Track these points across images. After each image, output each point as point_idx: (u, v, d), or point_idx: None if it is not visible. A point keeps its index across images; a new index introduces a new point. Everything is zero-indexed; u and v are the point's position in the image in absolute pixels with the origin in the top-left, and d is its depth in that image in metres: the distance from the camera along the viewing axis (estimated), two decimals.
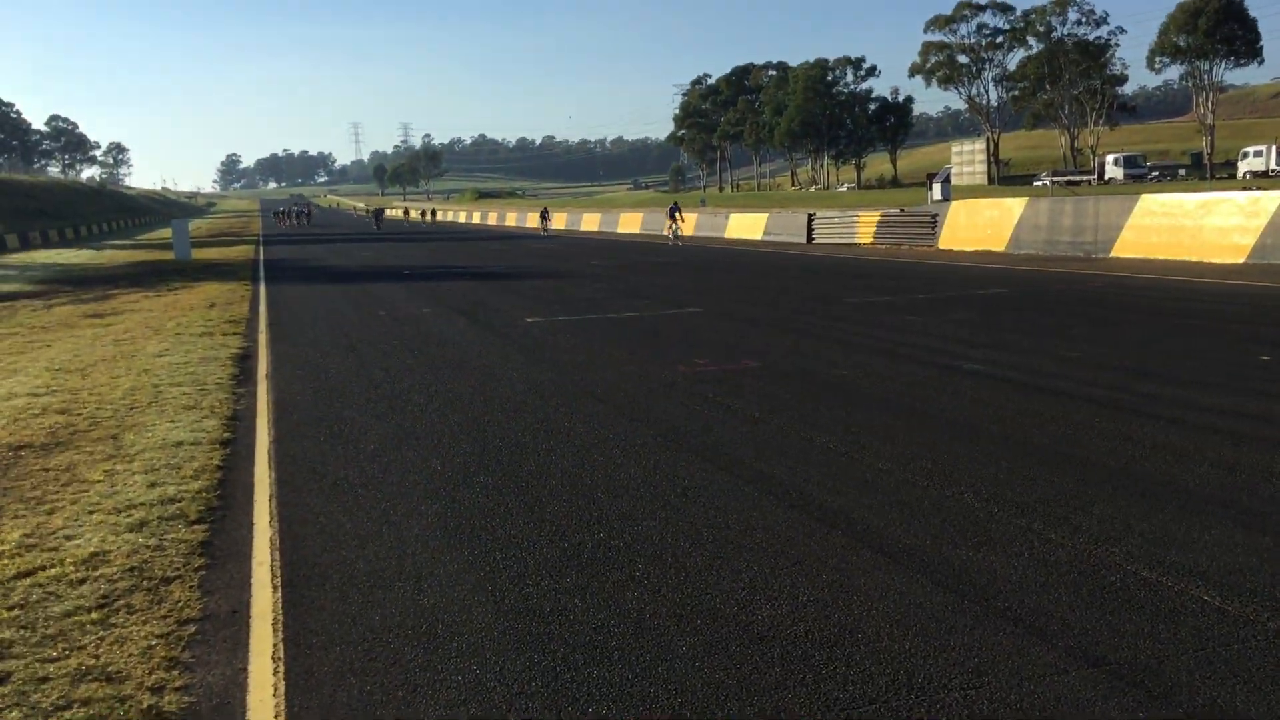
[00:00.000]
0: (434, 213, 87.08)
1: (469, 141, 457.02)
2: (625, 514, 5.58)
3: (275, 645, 4.07)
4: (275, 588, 4.69)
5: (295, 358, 12.26)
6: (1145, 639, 3.78)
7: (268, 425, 8.33)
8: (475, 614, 4.29)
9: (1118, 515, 5.20)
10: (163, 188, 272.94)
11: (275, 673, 3.84)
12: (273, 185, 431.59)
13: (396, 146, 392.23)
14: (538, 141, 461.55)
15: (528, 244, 47.25)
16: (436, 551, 5.09)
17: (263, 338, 14.43)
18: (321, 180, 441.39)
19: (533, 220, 72.14)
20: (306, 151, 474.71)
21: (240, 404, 9.37)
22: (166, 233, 58.96)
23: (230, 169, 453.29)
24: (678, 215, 39.60)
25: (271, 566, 4.99)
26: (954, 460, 6.40)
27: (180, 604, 4.56)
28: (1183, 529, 4.95)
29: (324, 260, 38.48)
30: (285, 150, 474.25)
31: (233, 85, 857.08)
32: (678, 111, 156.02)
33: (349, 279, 27.57)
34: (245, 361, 12.09)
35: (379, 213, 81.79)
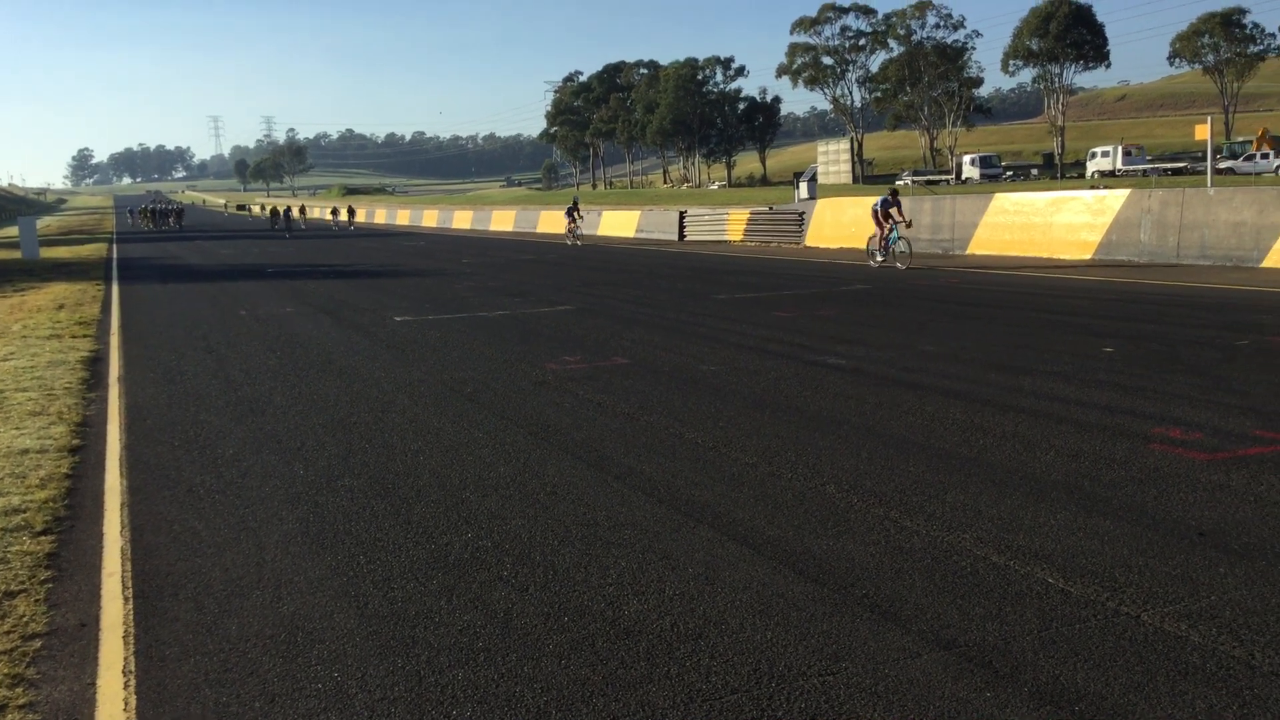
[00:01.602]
0: (351, 212, 70.62)
1: (335, 136, 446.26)
2: (494, 513, 5.55)
3: (126, 659, 3.92)
4: (126, 599, 4.52)
5: (149, 360, 11.81)
6: (993, 621, 3.94)
7: (119, 431, 8.00)
8: (337, 620, 4.20)
9: (969, 502, 5.41)
10: (9, 184, 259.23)
11: (126, 687, 3.69)
12: (128, 181, 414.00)
13: (259, 141, 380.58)
14: (408, 137, 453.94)
15: (398, 242, 46.49)
16: (297, 558, 4.98)
17: (115, 340, 13.85)
18: (179, 176, 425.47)
19: (431, 219, 71.66)
20: (164, 146, 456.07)
21: (90, 409, 8.98)
22: (12, 231, 55.79)
23: (82, 164, 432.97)
24: (576, 214, 37.28)
25: (122, 577, 4.79)
26: (817, 453, 6.56)
27: (25, 619, 4.35)
28: (1029, 514, 5.17)
29: (181, 258, 37.14)
30: (141, 145, 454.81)
31: (85, 76, 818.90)
32: (550, 108, 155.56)
33: (207, 277, 26.67)
34: (96, 365, 11.59)
35: (287, 213, 64.42)
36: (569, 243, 36.68)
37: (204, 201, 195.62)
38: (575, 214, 37.30)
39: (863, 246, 26.54)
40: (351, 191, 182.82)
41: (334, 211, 73.34)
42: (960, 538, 4.88)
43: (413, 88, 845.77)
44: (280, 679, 3.70)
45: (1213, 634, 3.74)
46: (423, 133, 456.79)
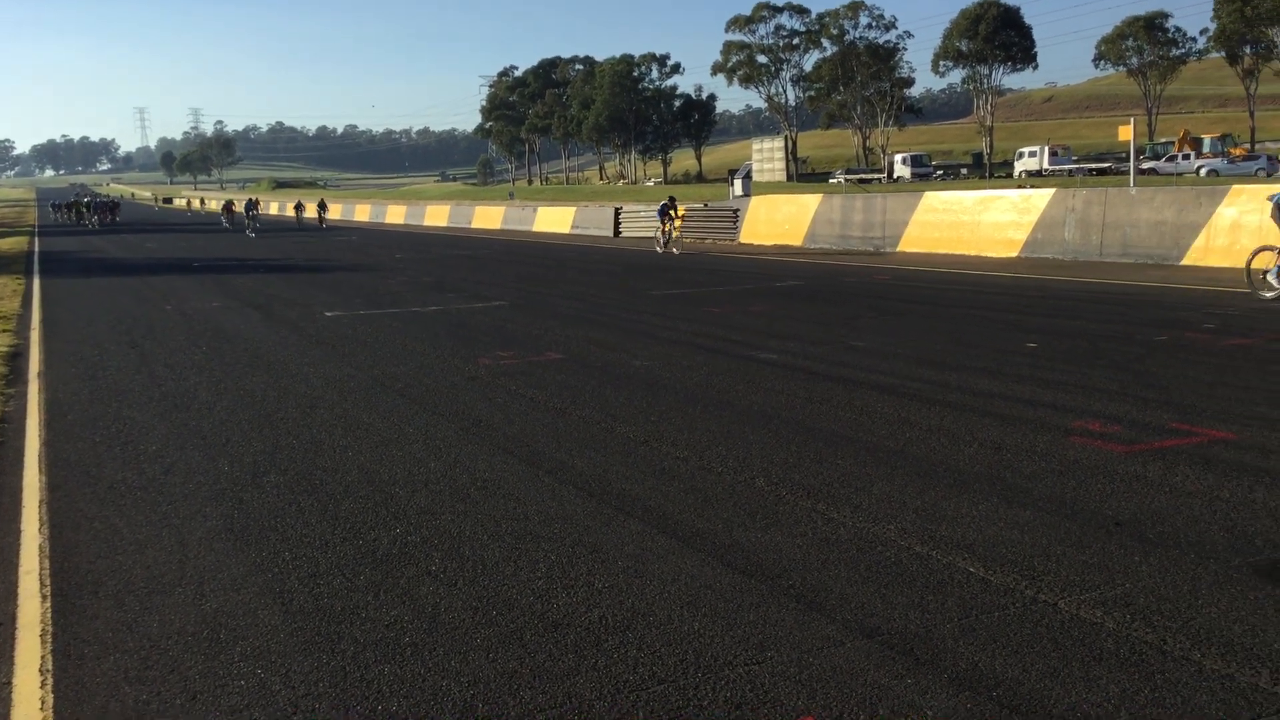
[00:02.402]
0: (323, 206, 61.11)
1: (265, 129, 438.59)
2: (423, 509, 5.52)
3: (43, 657, 3.83)
4: (44, 597, 4.41)
5: (71, 355, 11.53)
6: (915, 610, 4.01)
7: (39, 427, 7.81)
8: (261, 617, 4.15)
9: (895, 494, 5.49)
10: None
11: (43, 685, 3.61)
12: (50, 173, 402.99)
13: (186, 133, 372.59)
14: (339, 130, 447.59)
15: (330, 236, 45.89)
16: (221, 555, 4.90)
17: (35, 334, 13.50)
18: (104, 168, 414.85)
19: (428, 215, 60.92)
20: (88, 138, 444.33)
21: (9, 405, 8.75)
22: None
23: (3, 156, 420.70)
24: (672, 214, 27.48)
25: (40, 575, 4.68)
26: (748, 446, 6.61)
27: None
28: (952, 505, 5.27)
29: (106, 252, 36.29)
30: (65, 136, 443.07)
31: (5, 68, 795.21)
32: (485, 103, 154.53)
33: (132, 271, 26.09)
34: (15, 360, 11.28)
35: (251, 206, 53.24)
36: (659, 250, 27.31)
37: (133, 195, 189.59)
38: (671, 214, 27.37)
39: (796, 243, 26.80)
40: (282, 185, 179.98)
41: (299, 207, 63.94)
42: (885, 529, 4.95)
43: (345, 80, 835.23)
44: (202, 676, 3.64)
45: (1126, 620, 3.84)
46: (355, 126, 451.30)
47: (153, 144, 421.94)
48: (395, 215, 65.00)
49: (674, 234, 27.96)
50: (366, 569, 4.65)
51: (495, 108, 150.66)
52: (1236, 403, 7.33)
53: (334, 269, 25.43)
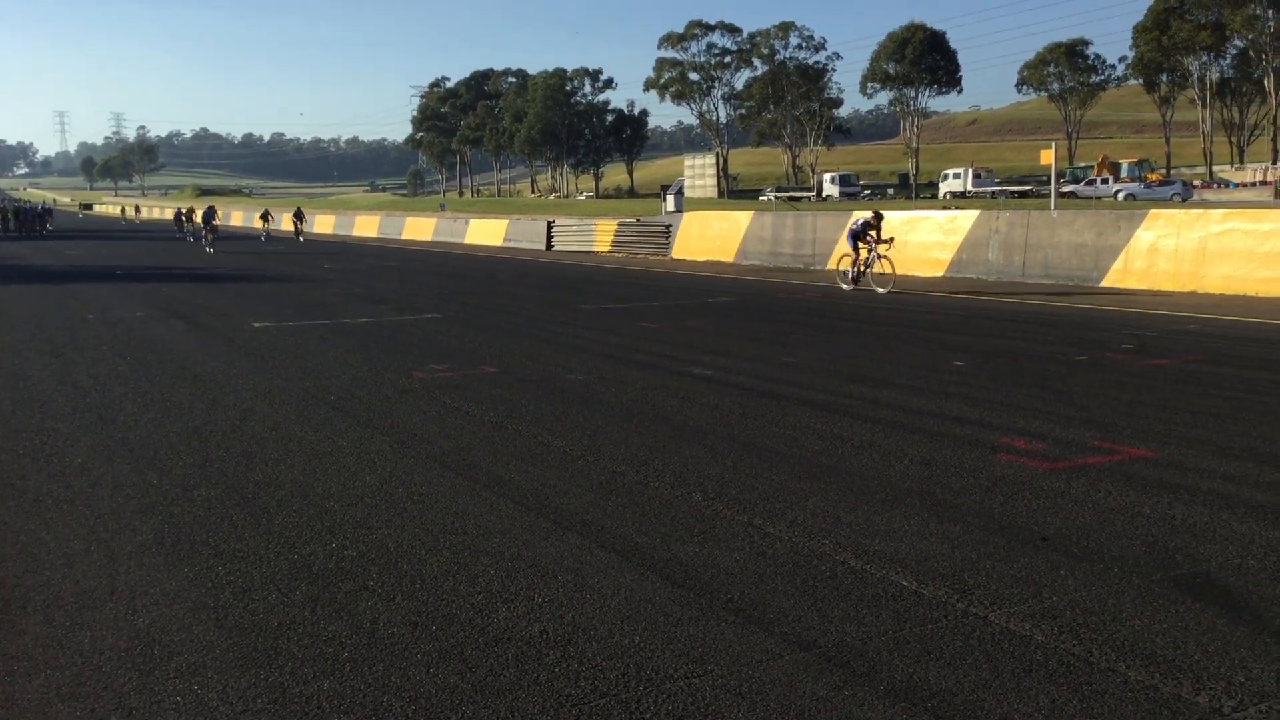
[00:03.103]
0: (300, 216, 50.27)
1: (189, 135, 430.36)
2: (359, 522, 5.47)
3: None
4: None
5: None
6: (851, 622, 4.09)
7: None
8: (196, 632, 4.08)
9: (829, 509, 5.58)
10: None
11: None
12: None
13: (107, 138, 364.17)
14: (266, 138, 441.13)
15: (256, 245, 45.15)
16: (152, 569, 4.81)
17: None
18: (21, 172, 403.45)
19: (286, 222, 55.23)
20: (4, 141, 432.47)
21: None
22: None
23: None
24: (874, 236, 18.99)
25: None
26: (684, 461, 6.67)
27: None
28: (885, 520, 5.38)
29: (24, 258, 35.32)
30: None
31: None
32: (416, 114, 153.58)
33: (52, 279, 25.44)
34: None
35: (209, 216, 42.63)
36: (846, 288, 19.38)
37: (53, 201, 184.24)
38: (872, 237, 19.01)
39: (728, 260, 27.04)
40: (206, 193, 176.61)
41: (265, 217, 53.82)
42: (820, 543, 5.04)
43: (272, 87, 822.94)
44: (137, 692, 3.57)
45: (1055, 633, 3.96)
46: (282, 134, 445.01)
47: (72, 148, 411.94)
48: (323, 225, 64.22)
49: (880, 264, 18.72)
50: (303, 584, 4.61)
51: (426, 118, 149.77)
52: (1155, 421, 7.58)
53: (261, 278, 25.05)
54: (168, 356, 11.73)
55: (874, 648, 3.86)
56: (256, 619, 4.21)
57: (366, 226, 57.26)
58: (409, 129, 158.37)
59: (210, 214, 42.72)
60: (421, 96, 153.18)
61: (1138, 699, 3.44)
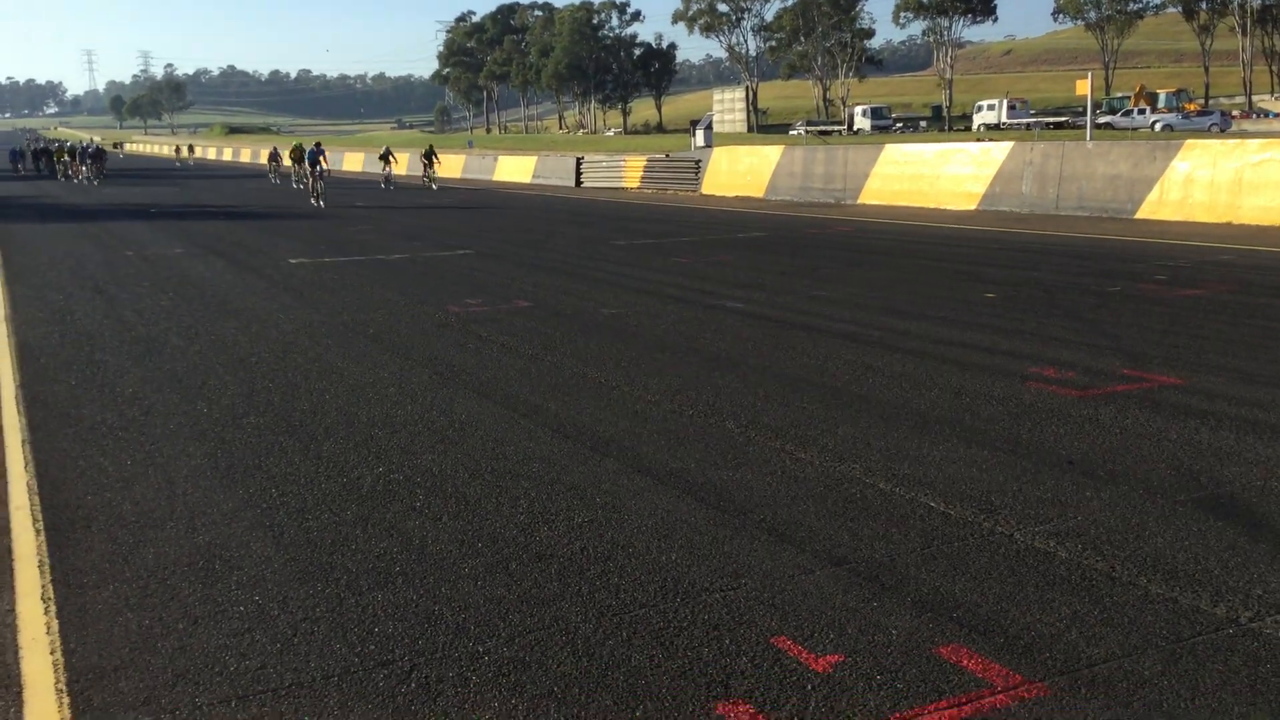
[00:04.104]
0: (431, 158, 39.05)
1: (216, 73, 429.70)
2: (404, 449, 5.66)
3: (44, 586, 3.96)
4: (38, 531, 4.52)
5: (36, 300, 11.48)
6: (880, 541, 4.24)
7: (12, 369, 7.84)
8: (254, 549, 4.29)
9: (859, 435, 5.71)
10: None
11: (46, 612, 3.74)
12: None
13: (135, 76, 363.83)
14: (293, 75, 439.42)
15: (287, 182, 45.35)
16: (208, 491, 5.03)
17: None
18: (51, 111, 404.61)
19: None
20: (34, 80, 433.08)
21: None
22: None
23: None
24: None
25: (31, 510, 4.79)
26: (716, 391, 6.80)
27: None
28: (914, 445, 5.50)
29: (59, 198, 35.68)
30: (9, 78, 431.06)
31: None
32: (442, 49, 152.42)
33: (88, 217, 25.74)
34: None
35: (313, 156, 31.09)
36: None
37: (93, 141, 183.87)
38: None
39: (758, 195, 26.90)
40: (235, 130, 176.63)
41: (385, 158, 41.44)
42: (850, 467, 5.17)
43: (299, 24, 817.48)
44: (201, 603, 3.79)
45: (1078, 550, 4.09)
46: (309, 71, 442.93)
47: (101, 87, 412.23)
48: (352, 163, 64.21)
49: None
50: (353, 505, 4.80)
51: (453, 54, 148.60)
52: (1185, 350, 7.62)
53: (294, 216, 25.23)
54: (208, 292, 11.96)
55: (902, 564, 4.01)
56: (311, 536, 4.42)
57: (396, 164, 57.22)
58: (435, 65, 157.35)
59: (316, 154, 30.92)
60: (448, 32, 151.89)
61: (1157, 610, 3.57)
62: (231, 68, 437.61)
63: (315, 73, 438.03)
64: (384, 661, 3.36)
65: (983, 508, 4.57)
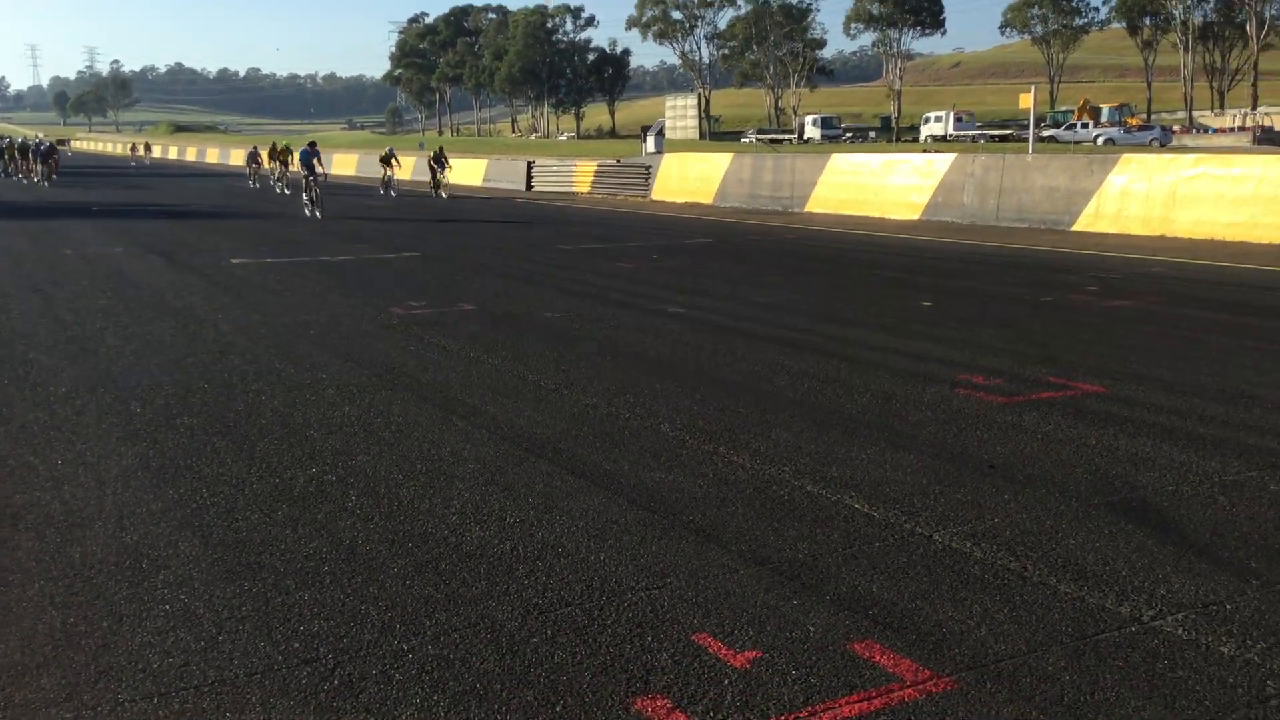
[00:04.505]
0: (441, 161, 33.13)
1: (164, 70, 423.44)
2: (339, 450, 5.68)
3: None
4: None
5: None
6: (804, 541, 4.34)
7: None
8: (182, 548, 4.29)
9: (791, 439, 5.82)
10: None
11: None
12: None
13: (80, 72, 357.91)
14: (242, 73, 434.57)
15: (232, 182, 44.83)
16: (138, 491, 5.01)
17: None
18: None
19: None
20: None
21: None
22: None
23: None
24: None
25: None
26: (654, 395, 6.88)
27: None
28: (844, 449, 5.62)
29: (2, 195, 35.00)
30: None
31: None
32: (394, 50, 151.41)
33: (27, 215, 25.32)
34: None
35: (306, 157, 25.07)
36: None
37: (38, 139, 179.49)
38: None
39: (707, 201, 27.04)
40: (181, 129, 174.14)
41: (388, 160, 34.42)
42: (781, 470, 5.28)
43: (248, 21, 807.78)
44: (127, 601, 3.79)
45: (993, 550, 4.21)
46: (258, 70, 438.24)
47: (45, 83, 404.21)
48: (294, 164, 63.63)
49: None
50: (284, 505, 4.81)
51: (405, 55, 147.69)
52: (1110, 359, 7.83)
53: (238, 215, 25.01)
54: (146, 291, 11.83)
55: (824, 563, 4.11)
56: (240, 536, 4.43)
57: (344, 165, 56.80)
58: (387, 66, 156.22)
59: (310, 156, 25.02)
60: (400, 32, 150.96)
61: (1064, 608, 3.70)
62: (179, 65, 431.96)
63: (265, 71, 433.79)
64: (308, 659, 3.39)
65: (905, 509, 4.69)
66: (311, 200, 24.58)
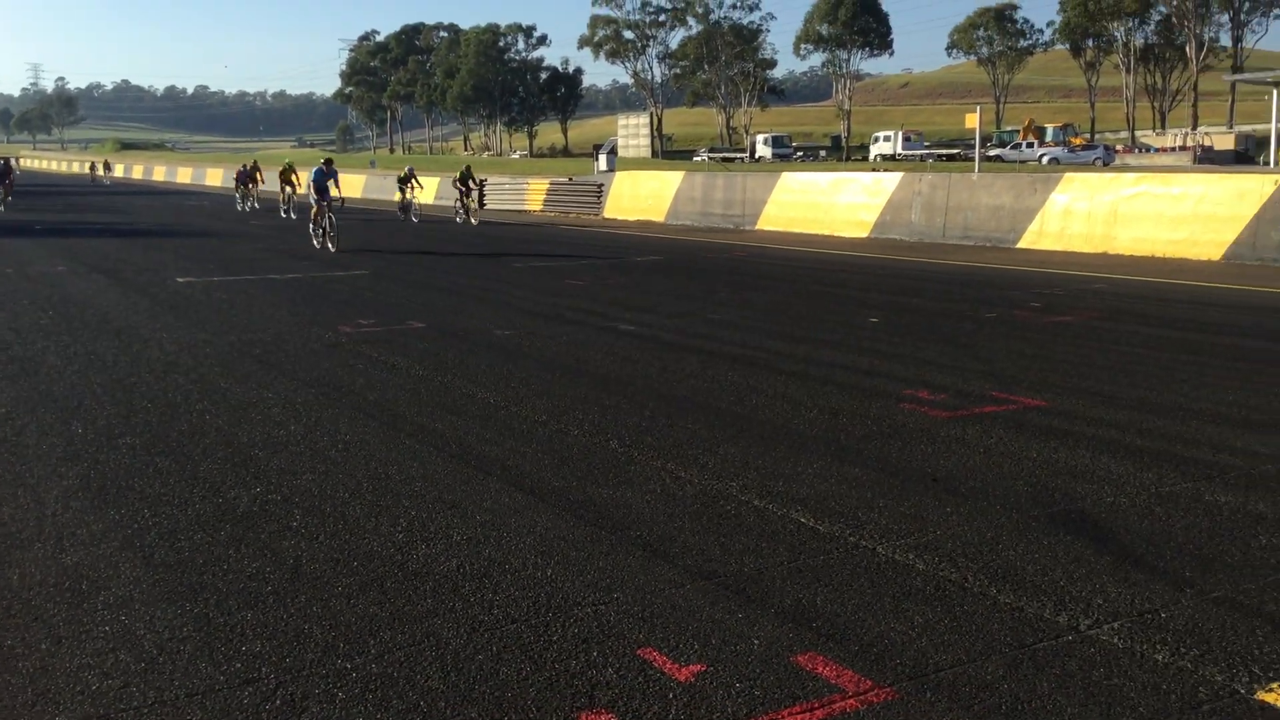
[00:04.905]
0: (468, 181, 30.05)
1: (110, 87, 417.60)
2: (284, 469, 5.63)
3: None
4: None
5: None
6: (750, 555, 4.37)
7: None
8: (123, 570, 4.24)
9: (739, 454, 5.86)
10: None
11: None
12: None
13: (25, 89, 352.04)
14: (190, 91, 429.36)
15: (179, 200, 44.31)
16: (79, 512, 4.93)
17: None
18: None
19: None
20: None
21: None
22: None
23: None
24: None
25: None
26: (603, 411, 6.90)
27: None
28: (790, 464, 5.67)
29: None
30: None
31: None
32: (345, 68, 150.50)
33: None
34: None
35: (319, 179, 20.76)
36: None
37: None
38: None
39: (659, 219, 27.15)
40: (127, 147, 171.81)
41: (407, 181, 30.58)
42: (728, 485, 5.31)
43: (196, 39, 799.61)
44: (65, 623, 3.73)
45: (935, 562, 4.27)
46: (206, 87, 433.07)
47: None
48: (215, 178, 63.03)
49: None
50: (227, 525, 4.77)
51: (356, 73, 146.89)
52: (1051, 374, 7.97)
53: (184, 234, 24.72)
54: (90, 310, 11.66)
55: (769, 576, 4.15)
56: (182, 557, 4.37)
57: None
58: (337, 83, 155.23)
59: (324, 177, 20.70)
60: (351, 50, 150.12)
61: (1003, 618, 3.76)
62: (126, 82, 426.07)
63: (213, 89, 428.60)
64: (249, 679, 3.36)
65: (850, 523, 4.74)
66: (324, 230, 20.26)
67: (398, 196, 31.80)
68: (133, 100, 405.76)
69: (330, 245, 19.88)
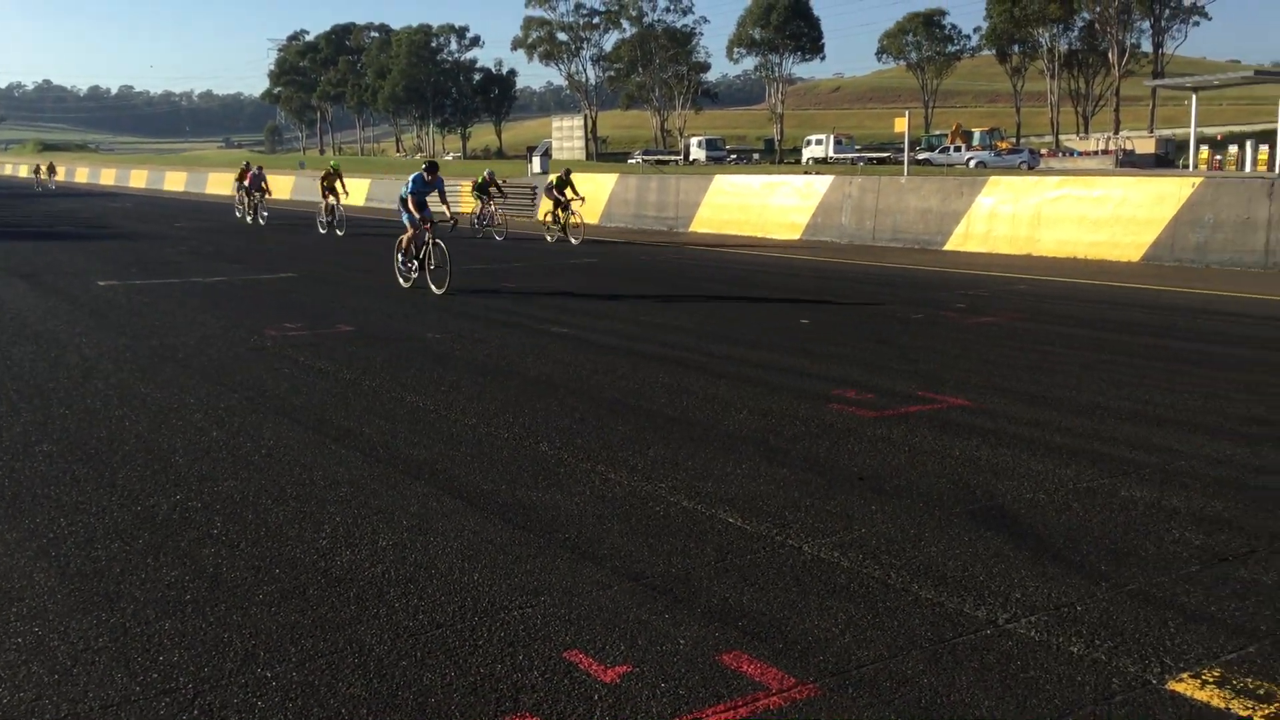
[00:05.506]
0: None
1: (31, 87, 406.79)
2: (205, 476, 5.53)
3: None
4: None
5: None
6: (677, 555, 4.39)
7: None
8: (37, 580, 4.13)
9: (669, 455, 5.88)
10: None
11: None
12: None
13: None
14: (114, 91, 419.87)
15: (102, 202, 43.32)
16: None
17: None
18: None
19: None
20: None
21: None
22: None
23: None
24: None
25: None
26: (534, 414, 6.88)
27: None
28: (719, 464, 5.70)
29: None
30: None
31: None
32: (273, 68, 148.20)
33: None
34: None
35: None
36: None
37: None
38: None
39: (593, 221, 27.14)
40: (49, 148, 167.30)
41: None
42: (657, 486, 5.33)
43: (120, 38, 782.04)
44: None
45: (859, 559, 4.33)
46: (131, 87, 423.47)
47: None
48: (174, 182, 61.86)
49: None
50: (145, 533, 4.67)
51: (284, 73, 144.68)
52: (975, 373, 8.12)
53: (107, 236, 24.15)
54: (6, 315, 11.35)
55: (696, 576, 4.16)
56: (98, 566, 4.28)
57: (221, 184, 55.31)
58: (266, 83, 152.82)
59: (425, 187, 13.99)
60: (280, 50, 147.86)
61: (924, 613, 3.82)
62: (47, 82, 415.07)
63: (138, 89, 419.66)
64: (166, 690, 3.29)
65: (776, 522, 4.78)
66: (421, 263, 13.78)
67: (489, 207, 24.81)
68: (55, 100, 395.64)
69: (434, 285, 13.47)
